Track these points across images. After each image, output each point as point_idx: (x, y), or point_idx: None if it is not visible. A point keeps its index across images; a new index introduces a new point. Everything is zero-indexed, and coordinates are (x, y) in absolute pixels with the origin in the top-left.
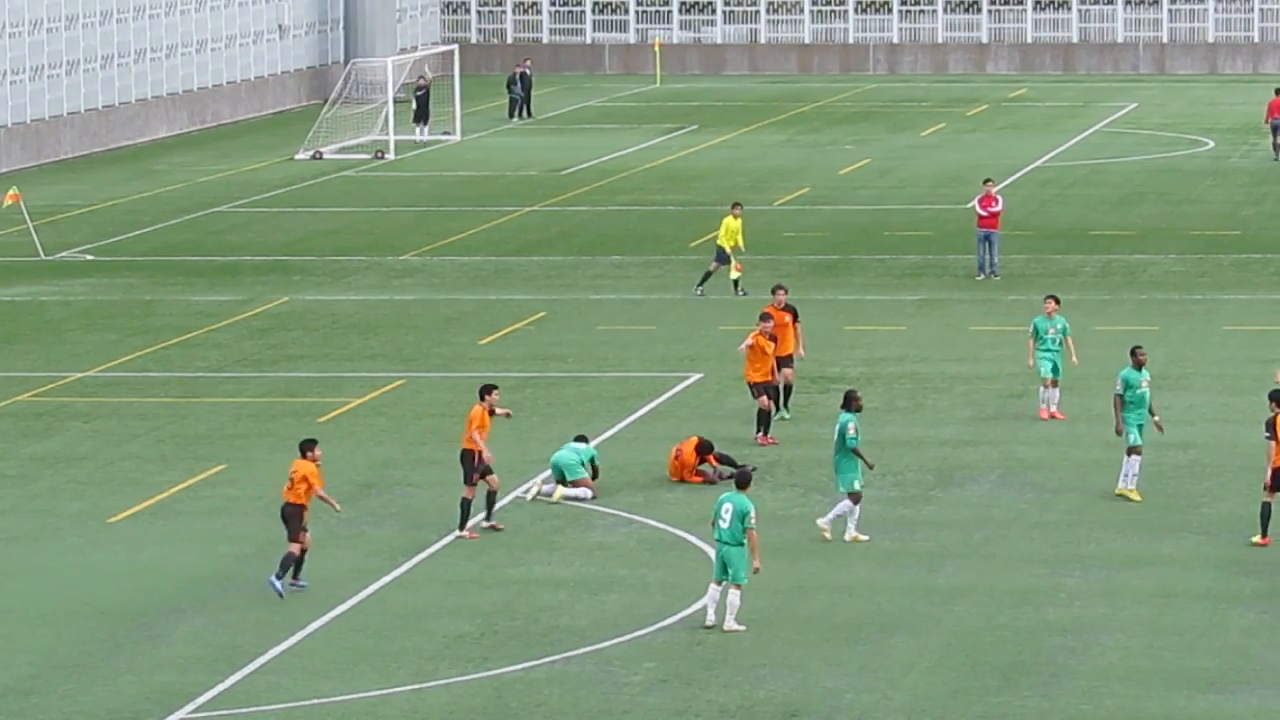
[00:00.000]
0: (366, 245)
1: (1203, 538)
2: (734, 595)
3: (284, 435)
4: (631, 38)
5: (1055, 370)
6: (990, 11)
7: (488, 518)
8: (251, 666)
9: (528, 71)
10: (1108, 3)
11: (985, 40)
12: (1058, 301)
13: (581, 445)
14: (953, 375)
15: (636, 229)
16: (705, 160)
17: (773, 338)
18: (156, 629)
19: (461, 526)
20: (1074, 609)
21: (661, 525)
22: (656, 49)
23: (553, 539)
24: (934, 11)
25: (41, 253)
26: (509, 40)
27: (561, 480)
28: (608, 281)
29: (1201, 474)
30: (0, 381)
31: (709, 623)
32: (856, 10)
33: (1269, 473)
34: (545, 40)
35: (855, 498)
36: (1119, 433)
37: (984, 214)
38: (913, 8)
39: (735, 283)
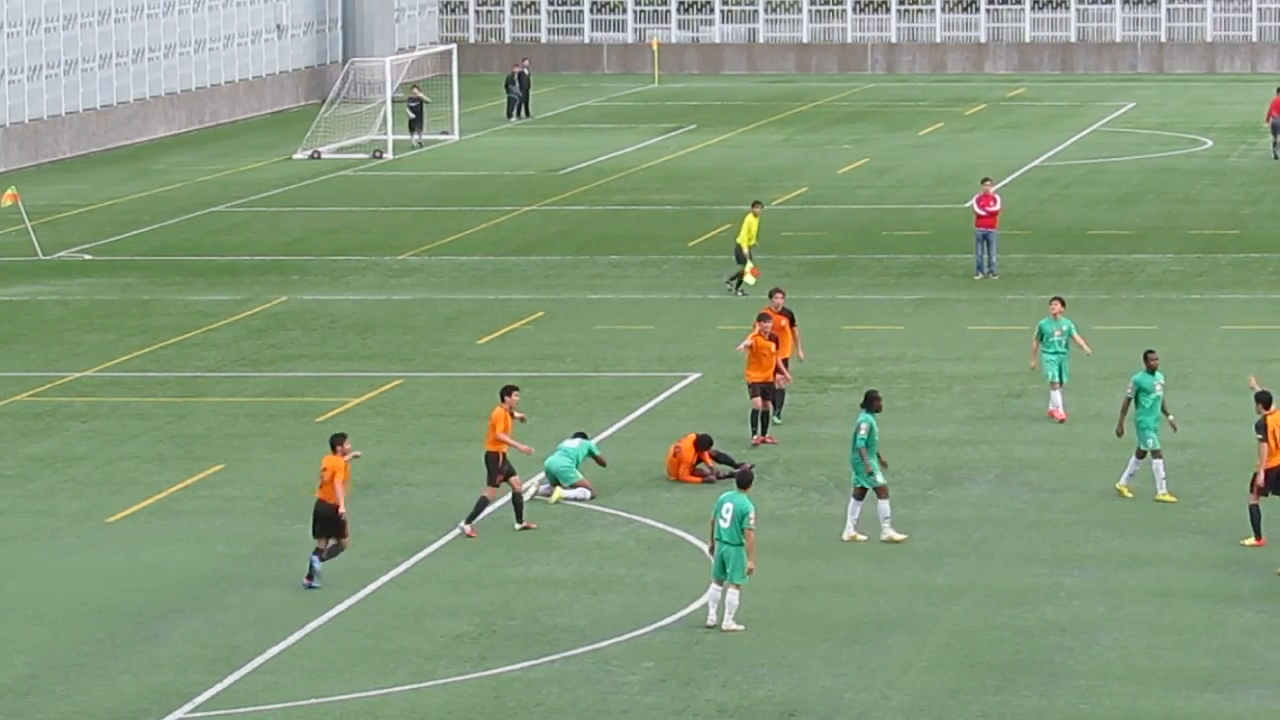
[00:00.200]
0: (365, 245)
1: (1201, 537)
2: (733, 595)
3: (282, 435)
4: (630, 37)
5: (1062, 373)
6: (988, 11)
7: (519, 519)
8: (250, 666)
9: (526, 71)
10: (1106, 2)
11: (983, 40)
12: (1063, 303)
13: (573, 444)
14: (951, 375)
15: (635, 229)
16: (703, 160)
17: (773, 338)
18: (155, 629)
19: (469, 520)
20: (1072, 608)
21: (660, 525)
22: (654, 48)
23: (551, 539)
24: (932, 11)
25: (40, 252)
26: (507, 40)
27: (556, 484)
28: (606, 281)
29: (1200, 473)
30: None
31: (710, 622)
32: (854, 10)
33: (1261, 475)
34: (543, 40)
35: (854, 493)
36: (1119, 434)
37: (982, 213)
38: (911, 7)
39: (740, 282)
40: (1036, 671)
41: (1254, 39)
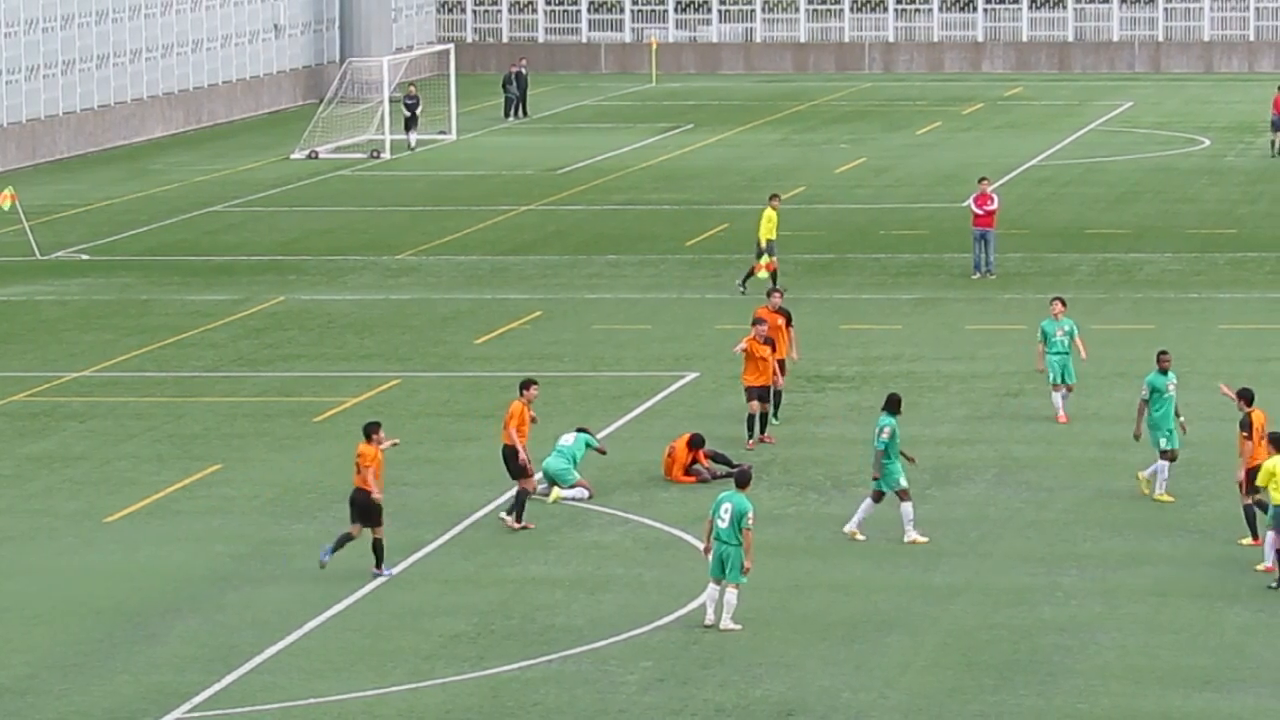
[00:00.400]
0: (362, 245)
1: (1199, 536)
2: (731, 594)
3: (280, 435)
4: (627, 37)
5: (1065, 374)
6: (985, 10)
7: (518, 518)
8: (247, 666)
9: (523, 71)
10: (1103, 1)
11: (981, 39)
12: (1064, 303)
13: (569, 441)
14: (948, 374)
15: (632, 228)
16: (701, 159)
17: (769, 341)
18: (152, 628)
19: (517, 517)
20: (1070, 607)
21: (658, 524)
22: (652, 48)
23: (549, 538)
24: (929, 10)
25: (37, 252)
26: (504, 39)
27: (554, 484)
28: (604, 281)
29: (1198, 472)
30: None
31: (708, 621)
32: (852, 9)
33: (1243, 472)
34: (541, 39)
35: (870, 496)
36: (1136, 437)
37: (979, 213)
38: (908, 6)
39: (750, 276)
40: (1034, 671)
41: (1251, 38)
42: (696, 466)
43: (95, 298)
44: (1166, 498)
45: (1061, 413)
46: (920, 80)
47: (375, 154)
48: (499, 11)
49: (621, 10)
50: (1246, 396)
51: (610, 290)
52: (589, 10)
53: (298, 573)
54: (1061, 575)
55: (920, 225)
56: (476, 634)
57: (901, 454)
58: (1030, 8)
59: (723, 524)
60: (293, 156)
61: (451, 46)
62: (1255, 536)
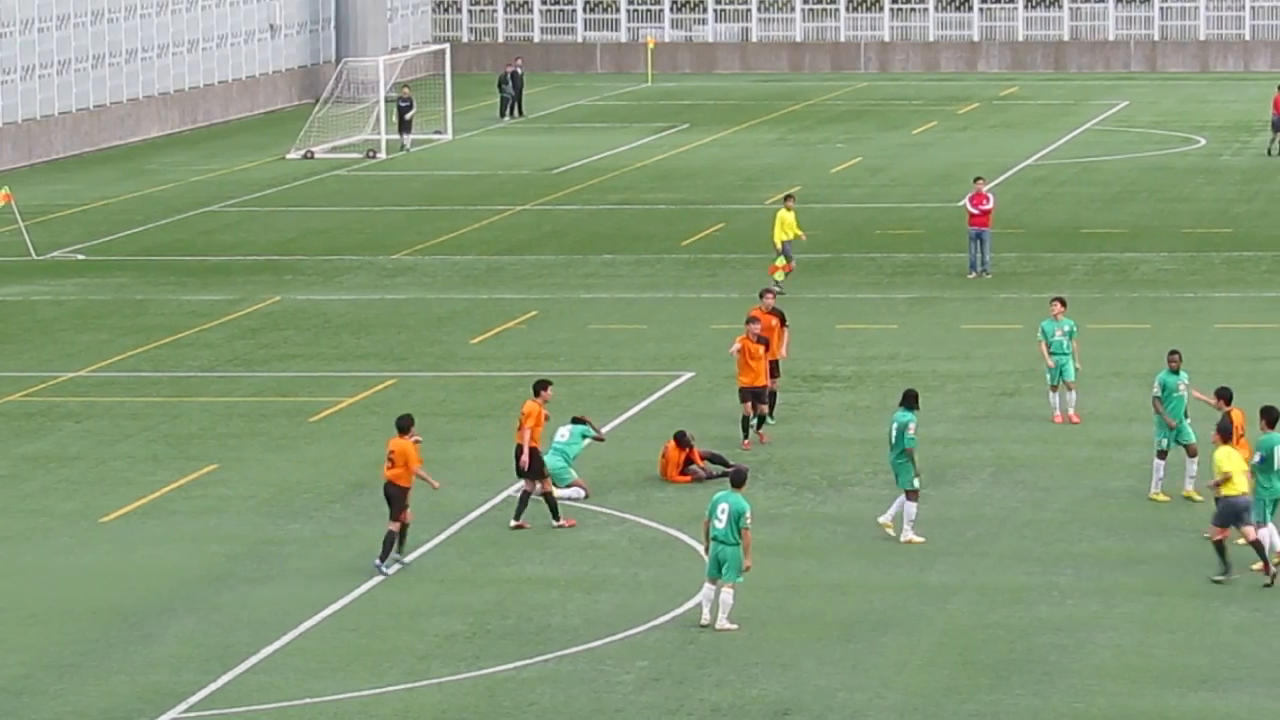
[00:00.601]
0: (358, 244)
1: (1194, 536)
2: (727, 594)
3: (276, 435)
4: (623, 36)
5: (1063, 374)
6: (981, 10)
7: (516, 516)
8: (243, 666)
9: (519, 70)
10: (1098, 1)
11: (976, 38)
12: (1064, 304)
13: (564, 436)
14: (944, 373)
15: (628, 228)
16: (697, 159)
17: (763, 340)
18: (148, 628)
19: (554, 516)
20: (1066, 607)
21: (653, 524)
22: (648, 48)
23: (545, 538)
24: (925, 10)
25: (33, 252)
26: (500, 39)
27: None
28: (599, 280)
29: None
30: None
31: (704, 621)
32: (848, 9)
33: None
34: (536, 39)
35: (912, 496)
36: (1172, 427)
37: (975, 212)
38: (904, 6)
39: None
40: (1030, 670)
41: (1247, 38)
42: (693, 466)
43: (91, 298)
44: (1162, 496)
45: (1058, 412)
46: (916, 80)
47: (371, 154)
48: (494, 11)
49: (617, 10)
50: (1225, 396)
51: (606, 290)
52: (584, 10)
53: (293, 573)
54: (1058, 574)
55: (916, 225)
56: (472, 634)
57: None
58: (1026, 7)
59: (719, 524)
60: (288, 156)
61: (447, 46)
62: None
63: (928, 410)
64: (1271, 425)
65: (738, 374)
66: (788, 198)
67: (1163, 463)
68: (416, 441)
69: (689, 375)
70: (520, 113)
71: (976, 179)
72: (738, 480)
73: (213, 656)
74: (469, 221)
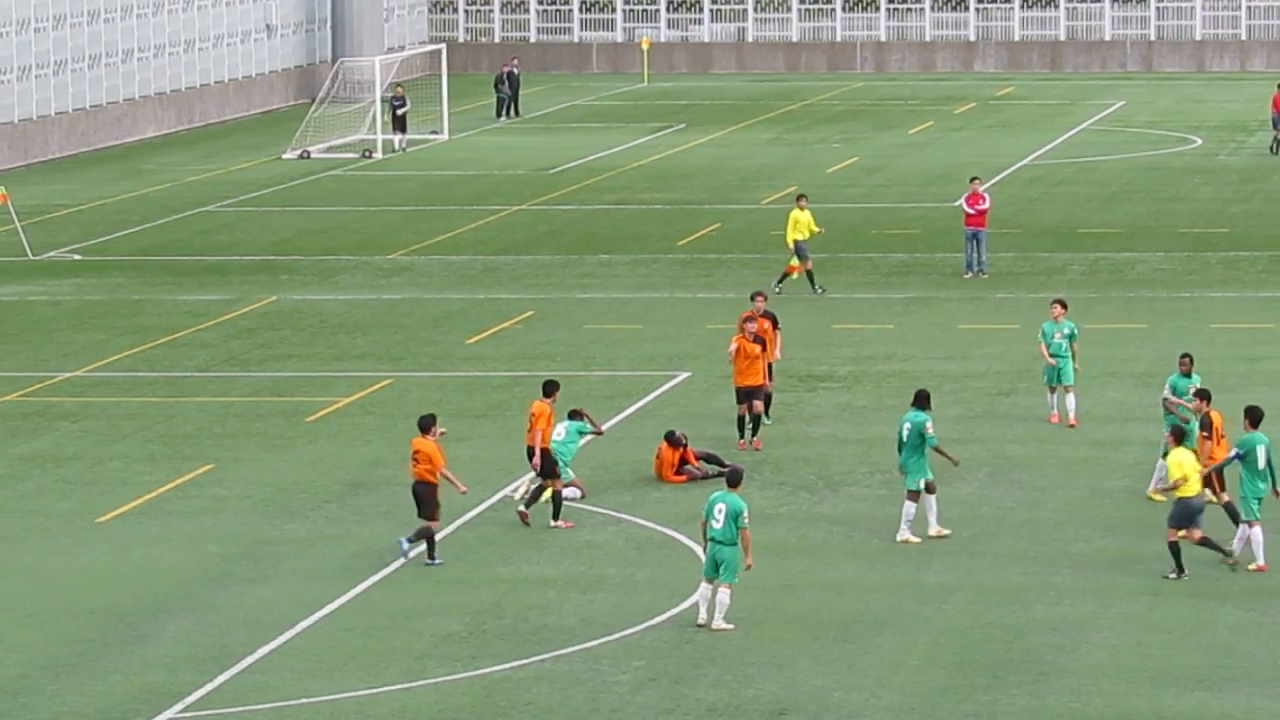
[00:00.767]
0: (354, 245)
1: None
2: (724, 594)
3: (272, 435)
4: (619, 36)
5: (1061, 376)
6: (978, 10)
7: (524, 506)
8: (240, 666)
9: (515, 70)
10: (1095, 1)
11: (973, 38)
12: (1064, 306)
13: (559, 435)
14: (941, 373)
15: (624, 228)
16: (693, 159)
17: (759, 339)
18: (145, 629)
19: (555, 516)
20: (1063, 607)
21: (649, 524)
22: (644, 48)
23: (541, 538)
24: (921, 10)
25: (29, 253)
26: (496, 39)
27: None
28: (595, 280)
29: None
30: None
31: (700, 621)
32: (844, 9)
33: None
34: (533, 39)
35: (923, 490)
36: (1186, 422)
37: (971, 212)
38: (900, 6)
39: (788, 277)
40: (1027, 670)
41: (1243, 37)
42: (688, 466)
43: (87, 298)
44: (1160, 497)
45: (1055, 412)
46: (912, 80)
47: (367, 154)
48: (491, 11)
49: (613, 10)
50: (1205, 396)
51: (602, 290)
52: (581, 10)
53: (289, 573)
54: (1054, 574)
55: (912, 225)
56: (469, 634)
57: (902, 467)
58: (1022, 7)
59: (716, 524)
60: (285, 156)
61: (443, 46)
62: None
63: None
64: (1255, 425)
65: (734, 374)
66: (799, 197)
67: (1165, 463)
68: (442, 434)
69: (685, 375)
70: (516, 113)
71: (973, 179)
72: (734, 480)
73: (209, 656)
74: (465, 221)
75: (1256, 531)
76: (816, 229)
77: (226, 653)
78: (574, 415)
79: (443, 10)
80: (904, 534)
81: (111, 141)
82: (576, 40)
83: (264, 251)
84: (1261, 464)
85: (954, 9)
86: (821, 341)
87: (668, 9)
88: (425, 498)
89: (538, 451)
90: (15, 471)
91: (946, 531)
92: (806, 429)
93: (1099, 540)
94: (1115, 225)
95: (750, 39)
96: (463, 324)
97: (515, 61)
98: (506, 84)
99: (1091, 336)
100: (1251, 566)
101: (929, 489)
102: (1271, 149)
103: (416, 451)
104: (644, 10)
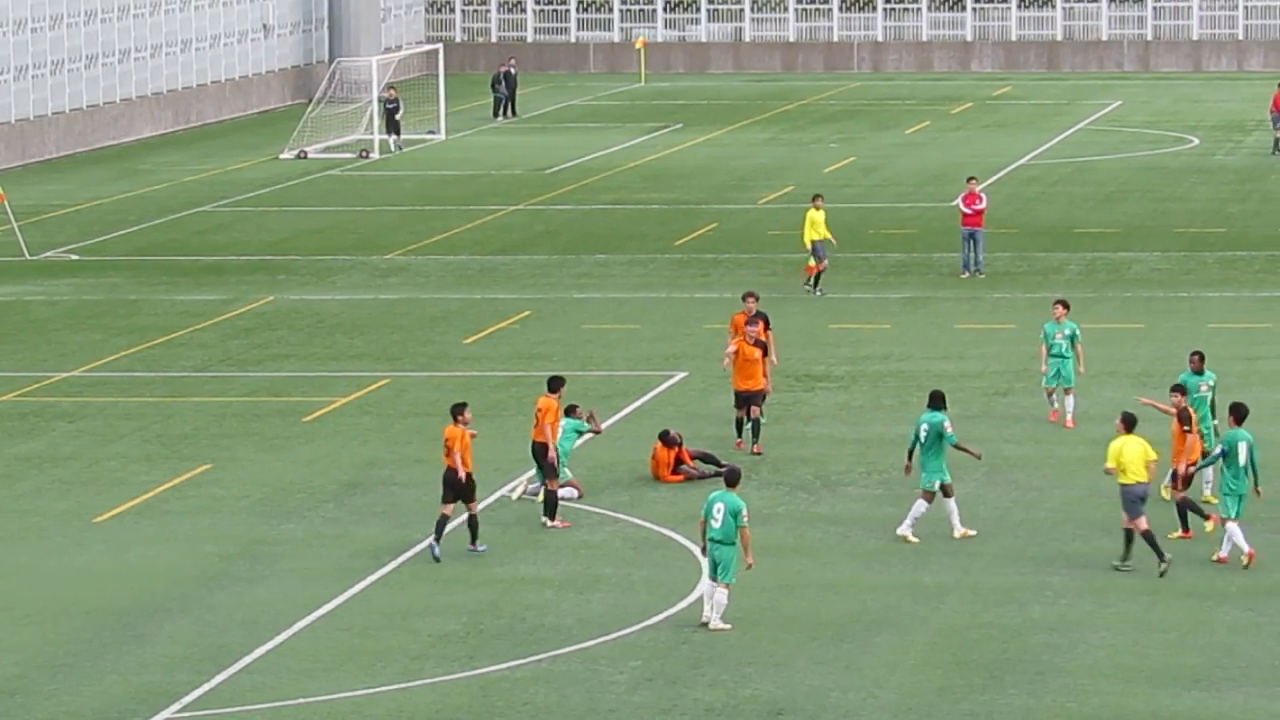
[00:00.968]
0: (351, 245)
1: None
2: (721, 594)
3: (269, 435)
4: (616, 36)
5: (1060, 377)
6: (974, 10)
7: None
8: (237, 666)
9: (512, 70)
10: (1091, 1)
11: (970, 38)
12: (1066, 306)
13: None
14: (938, 373)
15: (621, 228)
16: (690, 159)
17: (759, 343)
18: (142, 629)
19: (551, 515)
20: (1060, 606)
21: (647, 524)
22: (641, 48)
23: (538, 538)
24: (918, 10)
25: (26, 253)
26: (493, 39)
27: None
28: (592, 280)
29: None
30: None
31: (705, 618)
32: (841, 9)
33: (1185, 466)
34: (530, 39)
35: (940, 493)
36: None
37: (968, 212)
38: (897, 6)
39: (815, 279)
40: (1024, 670)
41: (1240, 37)
42: (684, 466)
43: (84, 298)
44: (1166, 495)
45: (1069, 417)
46: (909, 79)
47: (364, 154)
48: (488, 11)
49: (610, 10)
50: (1182, 391)
51: (599, 290)
52: (578, 10)
53: (287, 573)
54: (1051, 574)
55: (909, 224)
56: (466, 634)
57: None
58: (1019, 7)
59: (715, 524)
60: (281, 156)
61: (440, 46)
62: (1185, 529)
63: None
64: (1240, 421)
65: (733, 376)
66: (816, 197)
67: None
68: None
69: (682, 375)
70: (513, 113)
71: (970, 179)
72: (732, 479)
73: (206, 656)
74: (462, 221)
75: (1232, 528)
76: (828, 234)
77: (224, 653)
78: (570, 412)
79: (440, 10)
80: (905, 530)
81: (108, 141)
82: (573, 40)
83: (261, 251)
84: (1243, 461)
85: (951, 9)
86: (818, 341)
87: (665, 9)
88: (458, 483)
89: (552, 446)
90: (12, 472)
91: (972, 532)
92: (804, 429)
93: (1096, 540)
94: (1112, 225)
95: (747, 39)
96: (460, 324)
97: (512, 61)
98: (503, 84)
99: (1088, 336)
100: (1214, 556)
101: (946, 491)
102: (1274, 149)
103: (448, 440)
104: (641, 10)
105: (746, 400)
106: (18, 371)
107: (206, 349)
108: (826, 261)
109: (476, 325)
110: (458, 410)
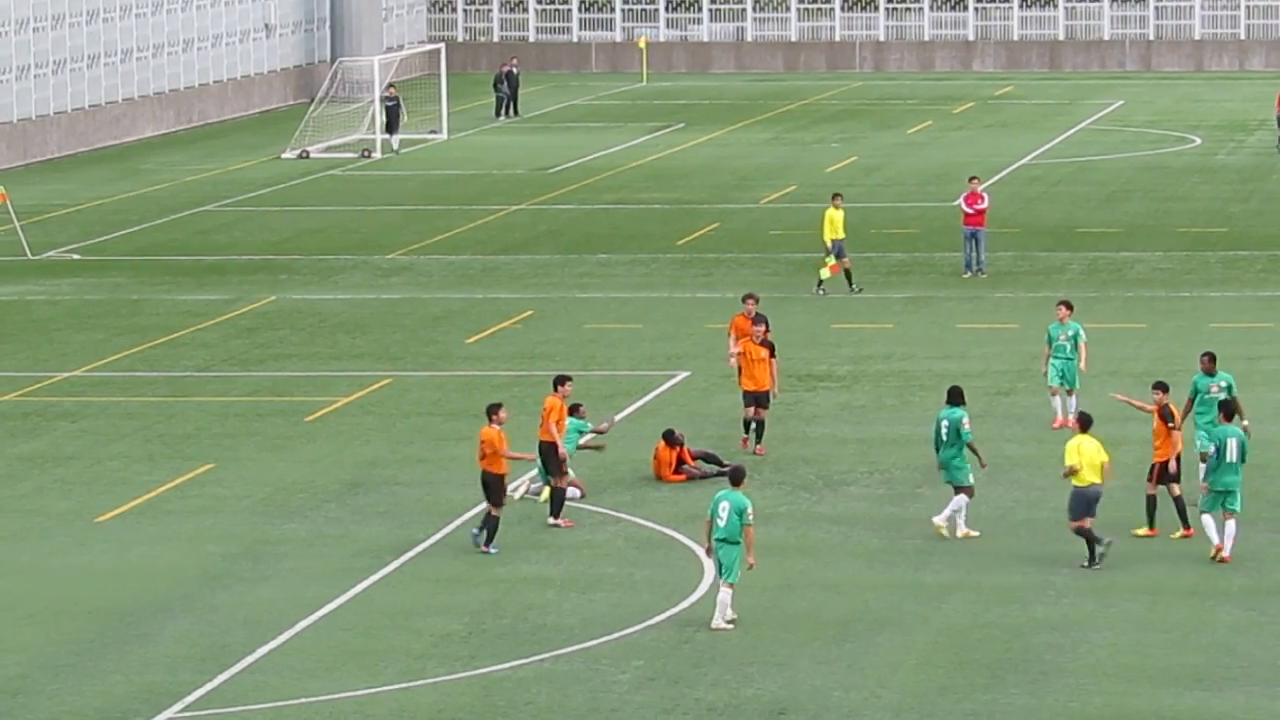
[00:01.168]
0: (353, 244)
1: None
2: (724, 594)
3: (271, 434)
4: (618, 36)
5: (1063, 378)
6: (976, 9)
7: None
8: (239, 666)
9: (514, 70)
10: (1094, 0)
11: (971, 38)
12: (1070, 307)
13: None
14: (940, 373)
15: (623, 227)
16: (692, 158)
17: (766, 343)
18: (144, 628)
19: (556, 514)
20: (1062, 606)
21: (649, 524)
22: (643, 47)
23: (541, 537)
24: (920, 9)
25: (28, 252)
26: (495, 39)
27: (547, 483)
28: (595, 280)
29: (1188, 471)
30: None
31: (732, 619)
32: (843, 8)
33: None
34: (532, 39)
35: (969, 491)
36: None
37: (970, 211)
38: (899, 5)
39: (848, 276)
40: (1026, 669)
41: (1242, 37)
42: (686, 466)
43: (86, 297)
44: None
45: (1060, 416)
46: (911, 79)
47: (366, 153)
48: (490, 10)
49: (612, 9)
50: (1163, 388)
51: (601, 289)
52: (580, 9)
53: (289, 572)
54: (1053, 574)
55: (911, 224)
56: (468, 633)
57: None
58: (1021, 7)
59: (721, 522)
60: (284, 156)
61: (442, 45)
62: (1151, 526)
63: (922, 410)
64: (1228, 418)
65: (741, 377)
66: (835, 196)
67: (1203, 465)
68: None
69: (684, 375)
70: (515, 112)
71: (971, 178)
72: (736, 478)
73: (208, 656)
74: (464, 221)
75: (1207, 520)
76: (843, 234)
77: (226, 652)
78: (574, 411)
79: (441, 10)
80: (962, 529)
81: (110, 141)
82: (575, 40)
83: (263, 251)
84: (1233, 457)
85: (953, 8)
86: (820, 341)
87: (667, 8)
88: (494, 488)
89: (561, 445)
90: (14, 471)
91: (975, 533)
92: (806, 429)
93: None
94: (1114, 225)
95: (749, 38)
96: (462, 323)
97: (514, 61)
98: (505, 83)
99: (1090, 336)
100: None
101: (968, 493)
102: (1277, 146)
103: (482, 442)
104: (643, 10)
105: (755, 401)
106: (20, 371)
107: (208, 349)
108: (848, 259)
109: (479, 325)
110: (492, 410)
